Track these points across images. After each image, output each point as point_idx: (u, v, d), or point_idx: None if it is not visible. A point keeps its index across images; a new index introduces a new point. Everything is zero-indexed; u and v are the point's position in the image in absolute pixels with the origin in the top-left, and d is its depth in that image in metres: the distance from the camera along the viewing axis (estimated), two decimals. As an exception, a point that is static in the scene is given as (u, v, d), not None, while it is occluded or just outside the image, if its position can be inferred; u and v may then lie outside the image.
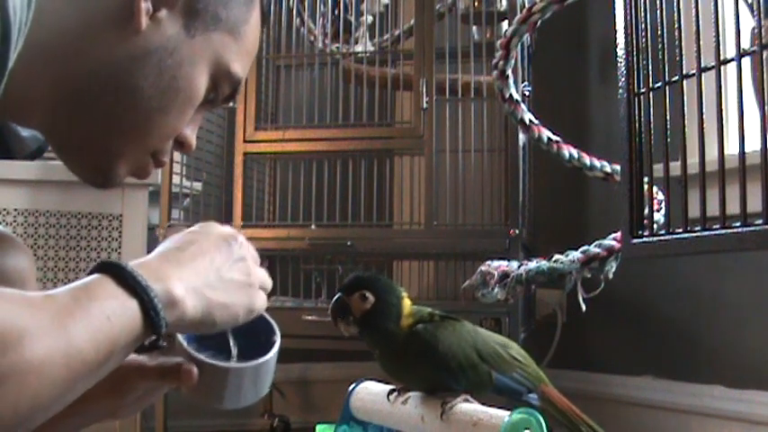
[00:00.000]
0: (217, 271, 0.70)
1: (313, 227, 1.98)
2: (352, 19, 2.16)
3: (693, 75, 1.01)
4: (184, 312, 0.66)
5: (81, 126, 0.73)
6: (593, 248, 1.34)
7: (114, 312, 0.60)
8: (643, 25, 1.10)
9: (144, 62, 0.71)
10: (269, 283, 0.76)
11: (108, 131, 0.74)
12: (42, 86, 0.70)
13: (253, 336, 0.78)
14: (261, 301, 0.74)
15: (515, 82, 1.69)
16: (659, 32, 1.07)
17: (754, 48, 0.93)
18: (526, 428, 0.88)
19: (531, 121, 1.54)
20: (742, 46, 0.94)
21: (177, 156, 2.01)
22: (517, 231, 1.81)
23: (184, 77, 0.74)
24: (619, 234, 1.25)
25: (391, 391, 1.05)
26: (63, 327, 0.57)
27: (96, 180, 0.77)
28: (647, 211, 1.13)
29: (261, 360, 0.77)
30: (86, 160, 0.76)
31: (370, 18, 2.14)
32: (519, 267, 1.42)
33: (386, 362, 1.02)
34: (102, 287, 0.62)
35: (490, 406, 0.94)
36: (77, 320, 0.58)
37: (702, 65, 1.00)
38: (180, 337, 0.75)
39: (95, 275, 0.63)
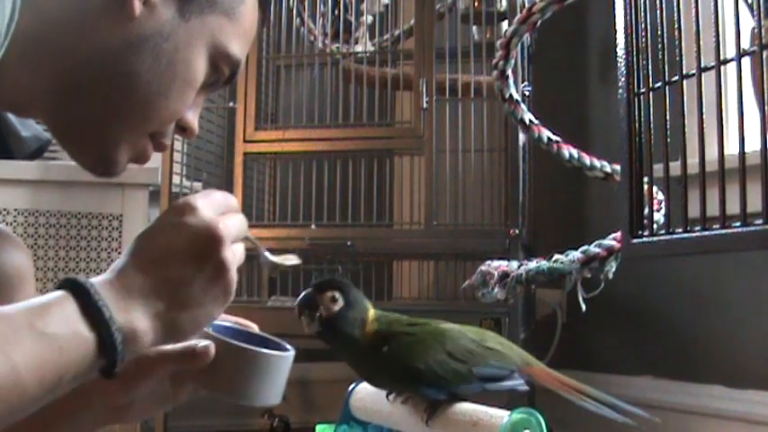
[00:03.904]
0: (188, 289, 0.65)
1: (313, 227, 1.98)
2: (352, 19, 2.16)
3: (693, 75, 1.01)
4: (145, 344, 0.63)
5: (80, 114, 0.73)
6: (593, 248, 1.34)
7: (69, 343, 0.57)
8: (643, 25, 1.10)
9: (140, 48, 0.71)
10: (241, 258, 0.70)
11: (107, 118, 0.73)
12: (39, 77, 0.70)
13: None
14: (231, 294, 0.69)
15: (515, 82, 1.68)
16: (659, 32, 1.07)
17: (754, 48, 0.93)
18: (526, 428, 0.88)
19: (531, 121, 1.54)
20: (742, 46, 0.94)
21: (177, 156, 2.02)
22: (517, 231, 1.81)
23: (182, 61, 0.73)
24: (619, 234, 1.25)
25: (391, 391, 1.05)
26: (7, 355, 0.54)
27: (97, 168, 0.76)
28: (647, 211, 1.13)
29: (287, 354, 0.76)
30: (87, 148, 0.75)
31: (370, 18, 2.14)
32: (519, 267, 1.42)
33: (353, 365, 1.02)
34: (61, 312, 0.59)
35: (491, 406, 0.94)
36: (26, 348, 0.55)
37: (702, 65, 1.00)
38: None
39: (60, 294, 0.60)
